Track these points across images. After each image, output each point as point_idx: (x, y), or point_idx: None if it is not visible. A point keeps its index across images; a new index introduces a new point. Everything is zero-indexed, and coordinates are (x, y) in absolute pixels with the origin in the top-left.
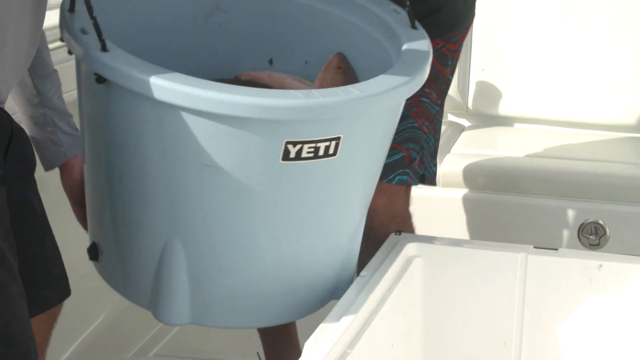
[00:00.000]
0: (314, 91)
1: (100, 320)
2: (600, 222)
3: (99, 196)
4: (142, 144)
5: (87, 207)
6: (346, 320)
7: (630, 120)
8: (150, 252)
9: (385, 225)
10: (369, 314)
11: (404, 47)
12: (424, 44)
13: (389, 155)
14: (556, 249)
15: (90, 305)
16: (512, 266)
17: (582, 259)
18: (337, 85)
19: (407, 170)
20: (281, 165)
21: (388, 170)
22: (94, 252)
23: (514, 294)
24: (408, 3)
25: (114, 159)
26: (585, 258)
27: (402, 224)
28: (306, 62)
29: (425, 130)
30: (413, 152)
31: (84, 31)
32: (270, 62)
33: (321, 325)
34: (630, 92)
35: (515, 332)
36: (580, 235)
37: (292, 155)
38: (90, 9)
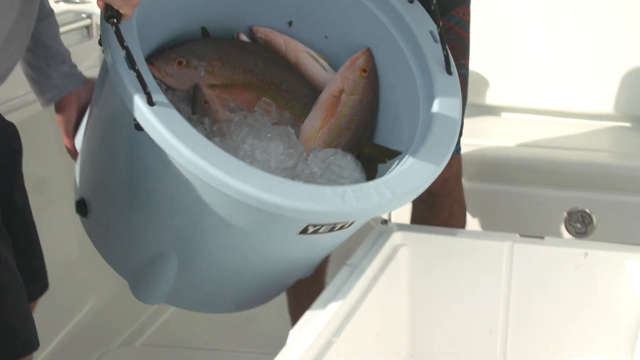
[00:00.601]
0: (349, 191)
1: (86, 311)
2: (587, 210)
3: (102, 167)
4: (166, 186)
5: (81, 157)
6: (332, 308)
7: (617, 109)
8: (145, 246)
9: (446, 195)
10: (355, 303)
11: (435, 106)
12: (454, 107)
13: None
14: (542, 238)
15: (76, 296)
16: (498, 255)
17: (567, 247)
18: (359, 90)
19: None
20: (296, 237)
21: None
22: (82, 208)
23: (500, 282)
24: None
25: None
26: (571, 246)
27: (458, 193)
28: (326, 37)
29: (464, 99)
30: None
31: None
32: (290, 24)
33: (307, 314)
34: (616, 81)
35: (501, 321)
36: (567, 223)
37: (310, 231)
38: (132, 61)
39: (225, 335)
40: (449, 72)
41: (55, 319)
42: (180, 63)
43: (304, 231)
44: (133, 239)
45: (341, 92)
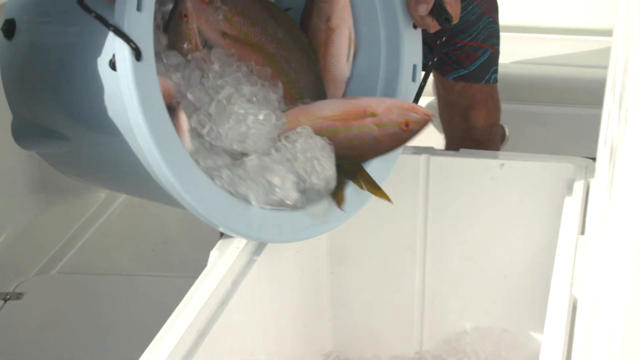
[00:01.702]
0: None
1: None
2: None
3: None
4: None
5: None
6: None
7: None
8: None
9: (490, 140)
10: None
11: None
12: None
13: (480, 56)
14: (458, 150)
15: None
16: (414, 168)
17: (483, 158)
18: (387, 132)
19: (496, 67)
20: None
21: (483, 71)
22: (8, 29)
23: (417, 196)
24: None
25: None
26: (487, 157)
27: (497, 120)
28: None
29: (497, 20)
30: (497, 46)
31: None
32: None
33: (224, 236)
34: None
35: (419, 234)
36: None
37: None
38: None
39: (142, 259)
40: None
41: None
42: None
43: None
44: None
45: (373, 115)
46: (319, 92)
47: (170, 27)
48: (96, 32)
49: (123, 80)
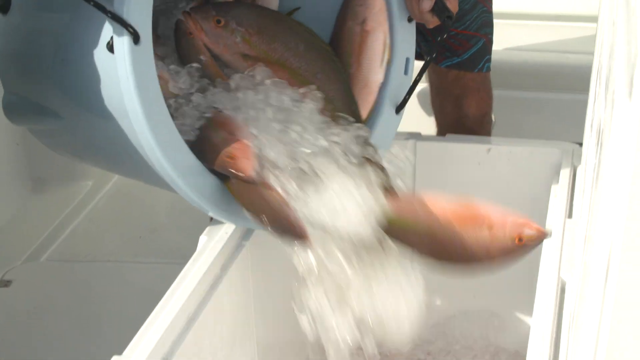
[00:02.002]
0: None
1: None
2: None
3: None
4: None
5: None
6: None
7: None
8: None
9: (480, 116)
10: None
11: None
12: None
13: (473, 44)
14: (444, 135)
15: None
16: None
17: (470, 143)
18: None
19: (489, 56)
20: None
21: (476, 60)
22: (3, 4)
23: (404, 181)
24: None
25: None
26: (473, 142)
27: (489, 109)
28: None
29: (491, 10)
30: (490, 36)
31: None
32: None
33: (213, 222)
34: None
35: None
36: None
37: None
38: None
39: (130, 246)
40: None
41: None
42: (218, 22)
43: None
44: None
45: (490, 227)
46: (348, 99)
47: (182, 46)
48: (94, 13)
49: (120, 64)
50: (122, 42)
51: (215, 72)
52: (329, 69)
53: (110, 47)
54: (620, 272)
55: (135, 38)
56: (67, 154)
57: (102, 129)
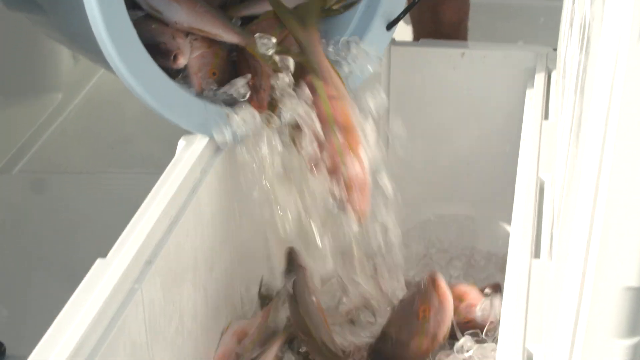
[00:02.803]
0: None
1: None
2: None
3: None
4: None
5: None
6: None
7: None
8: None
9: (457, 23)
10: None
11: None
12: None
13: None
14: (418, 40)
15: None
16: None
17: (444, 47)
18: None
19: None
20: None
21: None
22: None
23: (379, 84)
24: None
25: None
26: (447, 47)
27: (466, 16)
28: None
29: None
30: None
31: None
32: None
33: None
34: None
35: (381, 124)
36: None
37: None
38: None
39: (102, 158)
40: None
41: None
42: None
43: None
44: None
45: None
46: None
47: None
48: None
49: None
50: None
51: None
52: None
53: None
54: (614, 165)
55: None
56: (62, 43)
57: (71, 19)
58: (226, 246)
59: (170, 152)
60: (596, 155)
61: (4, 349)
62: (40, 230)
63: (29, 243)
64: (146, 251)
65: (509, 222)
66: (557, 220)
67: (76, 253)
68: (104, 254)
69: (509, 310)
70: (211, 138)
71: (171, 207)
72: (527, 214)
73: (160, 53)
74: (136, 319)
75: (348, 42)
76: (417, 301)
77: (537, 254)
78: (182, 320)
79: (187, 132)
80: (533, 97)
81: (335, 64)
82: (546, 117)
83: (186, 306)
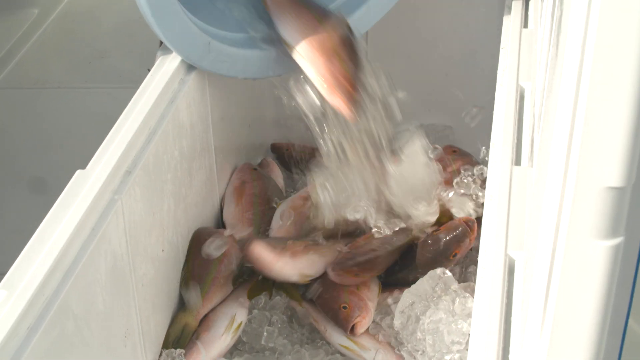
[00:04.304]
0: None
1: None
2: None
3: None
4: None
5: None
6: None
7: None
8: None
9: None
10: None
11: None
12: None
13: None
14: None
15: None
16: None
17: None
18: None
19: None
20: None
21: None
22: None
23: None
24: None
25: None
26: None
27: None
28: None
29: None
30: None
31: None
32: None
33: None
34: None
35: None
36: None
37: None
38: None
39: (79, 72)
40: None
41: None
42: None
43: None
44: None
45: None
46: None
47: None
48: None
49: None
50: None
51: None
52: None
53: None
54: (594, 64)
55: None
56: None
57: None
58: (205, 155)
59: (147, 67)
60: (576, 55)
61: None
62: (19, 144)
63: (7, 157)
64: (126, 161)
65: (489, 131)
66: (538, 125)
67: (55, 167)
68: (84, 164)
69: (490, 218)
70: None
71: (150, 117)
72: (508, 122)
73: None
74: (117, 230)
75: None
76: (453, 245)
77: (517, 161)
78: (163, 232)
79: (163, 47)
80: (512, 5)
81: None
82: (525, 25)
83: (166, 217)
